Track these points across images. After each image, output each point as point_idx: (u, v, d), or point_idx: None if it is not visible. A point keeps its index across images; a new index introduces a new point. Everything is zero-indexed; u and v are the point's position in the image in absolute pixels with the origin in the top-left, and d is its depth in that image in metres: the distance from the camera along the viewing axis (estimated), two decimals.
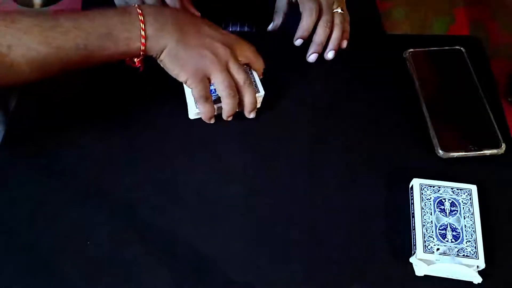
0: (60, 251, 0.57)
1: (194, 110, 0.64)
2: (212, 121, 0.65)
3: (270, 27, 0.77)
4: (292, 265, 0.56)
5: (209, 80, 0.62)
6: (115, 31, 0.58)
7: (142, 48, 0.59)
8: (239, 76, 0.63)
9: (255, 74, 0.68)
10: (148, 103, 0.68)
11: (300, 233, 0.58)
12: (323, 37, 0.71)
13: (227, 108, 0.64)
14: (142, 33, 0.58)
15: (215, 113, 0.65)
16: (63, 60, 0.57)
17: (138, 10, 0.59)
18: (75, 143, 0.65)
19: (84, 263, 0.56)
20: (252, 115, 0.66)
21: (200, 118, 0.65)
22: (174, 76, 0.62)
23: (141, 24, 0.59)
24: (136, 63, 0.62)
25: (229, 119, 0.65)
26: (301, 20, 0.71)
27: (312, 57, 0.72)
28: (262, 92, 0.66)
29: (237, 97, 0.63)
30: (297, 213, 0.60)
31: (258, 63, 0.67)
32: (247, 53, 0.65)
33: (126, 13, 0.59)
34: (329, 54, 0.72)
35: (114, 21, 0.58)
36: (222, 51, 0.62)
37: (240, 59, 0.64)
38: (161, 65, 0.62)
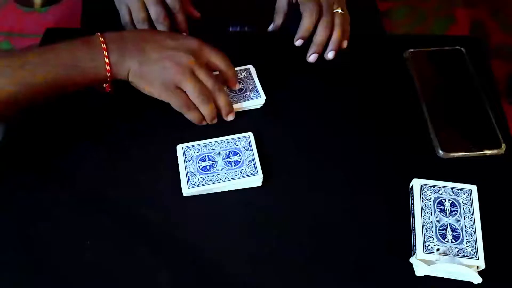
0: (60, 252, 0.57)
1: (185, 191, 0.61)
2: (214, 121, 0.66)
3: (270, 27, 0.77)
4: (291, 265, 0.56)
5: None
6: (81, 62, 0.61)
7: (108, 74, 0.62)
8: (207, 83, 0.63)
9: (255, 78, 0.68)
10: (148, 104, 0.68)
11: (299, 233, 0.58)
12: (323, 37, 0.71)
13: (205, 113, 0.65)
14: (106, 60, 0.61)
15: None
16: (33, 95, 0.60)
17: (100, 38, 0.62)
18: (75, 144, 0.65)
19: (84, 264, 0.56)
20: (230, 118, 0.66)
21: None
22: (148, 94, 0.64)
23: (104, 52, 0.61)
24: (106, 88, 0.64)
25: (214, 122, 0.66)
26: (301, 21, 0.71)
27: (312, 58, 0.72)
28: (262, 98, 0.67)
29: (212, 102, 0.64)
30: (297, 213, 0.60)
31: (228, 72, 0.66)
32: (213, 59, 0.65)
33: (91, 43, 0.62)
34: (330, 55, 0.72)
35: (79, 52, 0.61)
36: (185, 59, 0.62)
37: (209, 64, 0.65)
38: (135, 87, 0.64)
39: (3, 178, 0.62)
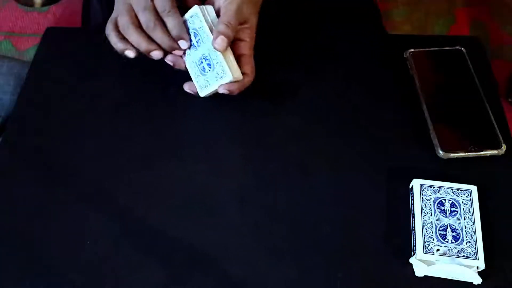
0: (60, 251, 0.57)
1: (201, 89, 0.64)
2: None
3: None
4: (290, 265, 0.56)
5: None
6: None
7: None
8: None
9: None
10: (147, 102, 0.68)
11: (298, 233, 0.58)
12: None
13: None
14: None
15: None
16: None
17: None
18: (75, 143, 0.65)
19: (84, 263, 0.56)
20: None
21: (198, 118, 0.64)
22: None
23: None
24: None
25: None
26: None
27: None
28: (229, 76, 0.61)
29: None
30: (296, 213, 0.60)
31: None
32: None
33: None
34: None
35: None
36: None
37: None
38: None
39: (3, 177, 0.63)
